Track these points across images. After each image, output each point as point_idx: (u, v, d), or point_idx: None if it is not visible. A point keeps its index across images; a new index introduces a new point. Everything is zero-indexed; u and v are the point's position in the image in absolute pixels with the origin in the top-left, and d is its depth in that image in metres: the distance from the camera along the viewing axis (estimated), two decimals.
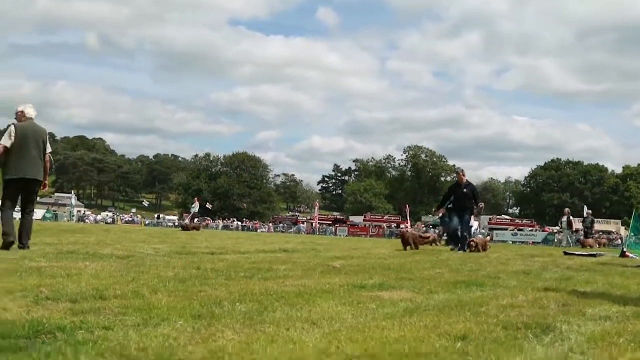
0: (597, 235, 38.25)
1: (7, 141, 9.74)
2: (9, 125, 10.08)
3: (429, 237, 19.43)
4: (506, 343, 3.60)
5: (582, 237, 32.64)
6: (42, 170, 10.18)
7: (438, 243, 21.14)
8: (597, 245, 32.17)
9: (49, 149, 10.30)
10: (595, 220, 55.72)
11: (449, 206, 18.81)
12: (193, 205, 42.31)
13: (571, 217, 33.97)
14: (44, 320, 3.63)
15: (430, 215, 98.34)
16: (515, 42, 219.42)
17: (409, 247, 15.88)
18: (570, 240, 33.26)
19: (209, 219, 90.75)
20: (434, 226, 42.44)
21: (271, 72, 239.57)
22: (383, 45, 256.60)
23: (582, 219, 35.16)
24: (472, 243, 16.03)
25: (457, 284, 6.93)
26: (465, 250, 16.02)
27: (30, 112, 10.28)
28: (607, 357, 3.41)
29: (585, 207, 36.92)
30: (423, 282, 7.07)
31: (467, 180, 18.14)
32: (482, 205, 18.13)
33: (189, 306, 4.40)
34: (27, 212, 10.38)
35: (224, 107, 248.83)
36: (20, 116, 10.18)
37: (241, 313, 4.21)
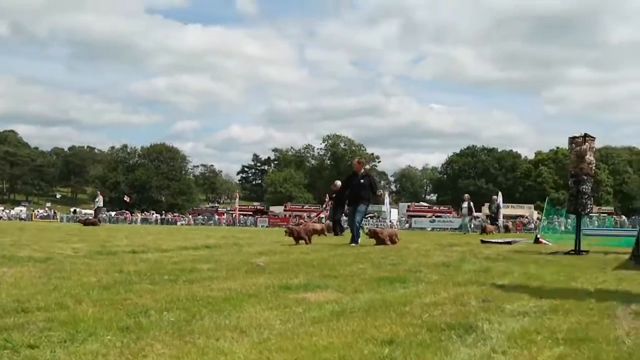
0: (502, 220, 38.71)
1: None
2: None
3: (319, 228, 18.10)
4: (432, 345, 3.69)
5: (485, 223, 33.41)
6: None
7: (326, 233, 21.12)
8: (500, 231, 32.88)
9: None
10: (503, 205, 57.37)
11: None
12: (97, 200, 41.58)
13: (471, 203, 34.16)
14: None
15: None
16: (431, 30, 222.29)
17: (302, 241, 15.20)
18: (469, 227, 33.61)
19: (127, 212, 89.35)
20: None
21: (190, 62, 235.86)
22: (302, 33, 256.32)
23: (489, 204, 35.47)
24: (368, 232, 15.64)
25: (380, 281, 7.04)
26: (358, 243, 15.57)
27: None
28: (527, 356, 3.54)
29: (500, 194, 37.01)
30: (347, 279, 7.15)
31: (364, 170, 17.50)
32: (380, 192, 17.63)
33: (115, 317, 4.35)
34: None
35: (142, 97, 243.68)
36: None
37: (169, 323, 4.19)
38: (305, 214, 62.16)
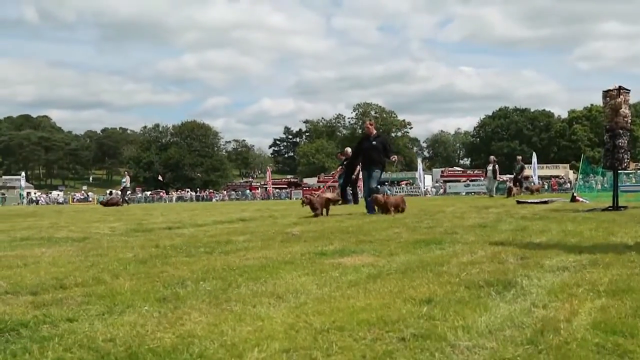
0: (528, 181, 37.57)
1: None
2: None
3: (331, 197, 15.69)
4: (470, 303, 3.65)
5: (510, 185, 32.26)
6: None
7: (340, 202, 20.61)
8: (526, 192, 31.92)
9: None
10: (538, 165, 56.64)
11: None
12: (124, 180, 40.84)
13: (496, 166, 32.21)
14: (5, 317, 3.56)
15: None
16: None
17: (321, 212, 14.22)
18: (494, 190, 32.17)
19: (162, 191, 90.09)
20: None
21: (216, 37, 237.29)
22: (327, 2, 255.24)
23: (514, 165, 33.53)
24: (375, 200, 13.97)
25: (416, 243, 7.01)
26: (375, 211, 14.16)
27: None
28: (568, 309, 3.48)
29: (533, 154, 35.49)
30: (382, 243, 7.13)
31: (377, 132, 16.10)
32: (394, 158, 15.56)
33: (152, 289, 4.37)
34: None
35: (171, 75, 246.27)
36: None
37: (205, 292, 4.20)
38: (320, 185, 61.82)
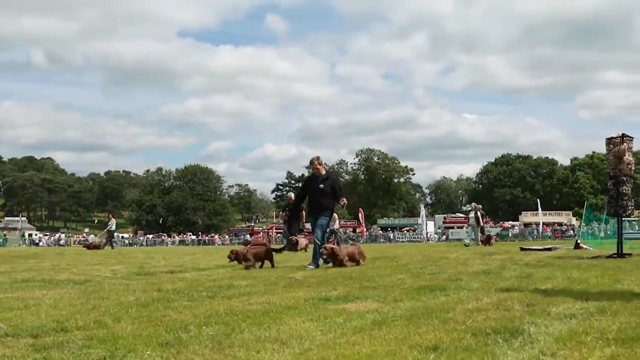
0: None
1: None
2: None
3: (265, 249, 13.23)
4: (477, 350, 3.60)
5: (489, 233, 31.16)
6: None
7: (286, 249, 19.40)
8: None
9: None
10: (542, 212, 56.31)
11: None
12: (109, 223, 40.27)
13: (479, 213, 29.86)
14: None
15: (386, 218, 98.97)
16: (461, 40, 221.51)
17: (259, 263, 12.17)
18: (478, 238, 29.00)
19: (164, 235, 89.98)
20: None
21: (222, 83, 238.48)
22: (332, 49, 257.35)
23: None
24: (323, 251, 11.81)
25: (421, 290, 6.95)
26: (318, 265, 12.11)
27: None
28: (577, 357, 3.43)
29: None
30: (387, 289, 7.07)
31: (326, 172, 13.68)
32: (344, 202, 13.03)
33: (155, 333, 4.31)
34: None
35: (176, 119, 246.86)
36: None
37: (208, 337, 4.14)
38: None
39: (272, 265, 12.21)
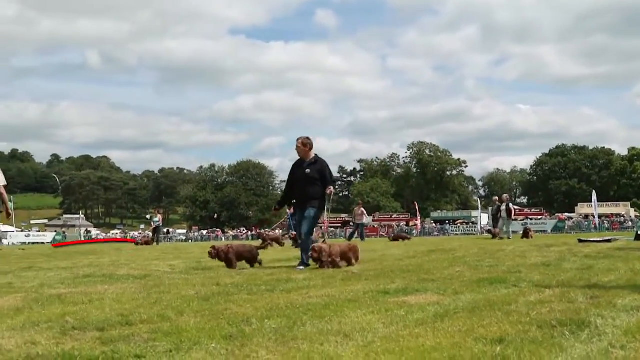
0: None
1: None
2: None
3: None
4: (544, 343, 3.54)
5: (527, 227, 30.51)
6: None
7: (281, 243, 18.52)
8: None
9: (2, 182, 11.29)
10: (597, 203, 55.20)
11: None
12: (155, 219, 39.93)
13: (510, 205, 28.52)
14: (75, 352, 3.57)
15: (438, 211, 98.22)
16: (512, 31, 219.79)
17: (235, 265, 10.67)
18: (510, 231, 28.31)
19: (218, 230, 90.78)
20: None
21: (273, 79, 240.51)
22: (383, 43, 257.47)
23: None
24: (312, 254, 10.09)
25: (480, 282, 6.88)
26: (308, 264, 10.62)
27: None
28: None
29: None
30: (446, 282, 7.02)
31: (315, 155, 11.38)
32: (330, 190, 11.07)
33: (218, 326, 4.34)
34: None
35: (228, 116, 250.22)
36: None
37: (271, 330, 4.16)
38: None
39: (251, 266, 10.81)
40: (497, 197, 31.74)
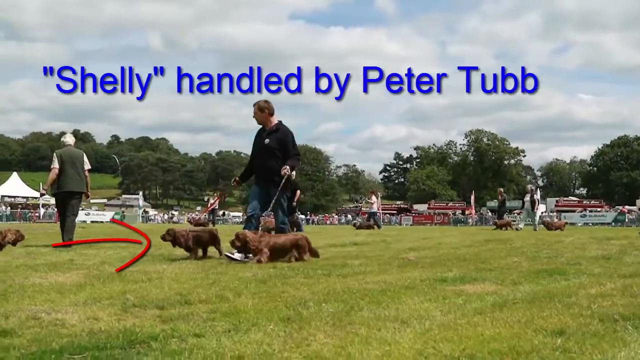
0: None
1: (55, 165, 12.18)
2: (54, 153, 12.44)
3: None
4: (606, 336, 3.48)
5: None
6: (81, 184, 12.44)
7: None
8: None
9: (87, 166, 12.58)
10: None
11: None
12: (213, 201, 39.75)
13: (536, 195, 28.25)
14: (136, 329, 3.63)
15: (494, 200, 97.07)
16: (575, 19, 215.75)
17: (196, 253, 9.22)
18: (536, 222, 27.96)
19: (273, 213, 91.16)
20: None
21: (332, 64, 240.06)
22: (442, 30, 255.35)
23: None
24: (234, 241, 8.28)
25: (539, 273, 6.79)
26: (244, 258, 8.57)
27: (67, 140, 12.79)
28: None
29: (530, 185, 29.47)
30: (503, 272, 6.95)
31: (278, 121, 9.63)
32: (286, 170, 9.13)
33: (275, 308, 4.37)
34: (67, 215, 12.35)
35: (286, 100, 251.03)
36: (61, 145, 12.79)
37: (329, 314, 4.17)
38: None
39: (220, 254, 9.37)
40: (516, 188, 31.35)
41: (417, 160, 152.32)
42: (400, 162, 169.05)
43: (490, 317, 4.06)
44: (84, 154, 12.75)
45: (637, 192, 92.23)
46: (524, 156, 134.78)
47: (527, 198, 27.65)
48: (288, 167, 9.17)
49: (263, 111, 9.56)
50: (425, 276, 6.43)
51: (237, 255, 8.59)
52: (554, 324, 3.82)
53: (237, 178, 10.44)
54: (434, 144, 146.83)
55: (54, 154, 12.47)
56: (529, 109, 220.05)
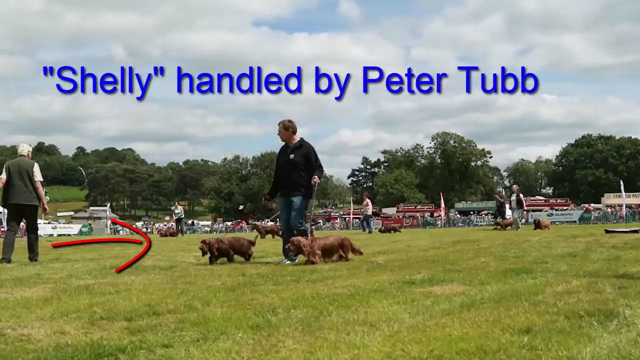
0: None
1: (2, 176, 11.80)
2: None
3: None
4: (572, 332, 3.52)
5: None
6: (30, 196, 11.88)
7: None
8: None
9: (37, 178, 11.95)
10: (625, 194, 54.66)
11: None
12: (177, 211, 40.10)
13: (520, 195, 28.68)
14: (104, 342, 3.60)
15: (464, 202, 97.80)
16: (537, 20, 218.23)
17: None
18: (519, 221, 28.28)
19: (242, 222, 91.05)
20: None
21: (297, 70, 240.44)
22: (406, 33, 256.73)
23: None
24: (290, 246, 9.30)
25: (506, 273, 6.85)
26: (292, 259, 9.82)
27: (20, 150, 12.41)
28: None
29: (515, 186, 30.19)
30: (471, 273, 7.00)
31: (300, 138, 10.60)
32: (315, 180, 10.17)
33: (244, 316, 4.37)
34: (29, 234, 12.13)
35: (252, 108, 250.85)
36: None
37: (297, 319, 4.17)
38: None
39: (247, 259, 10.37)
40: (500, 190, 32.12)
41: (385, 164, 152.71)
42: (368, 167, 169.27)
43: (458, 317, 4.09)
44: (36, 165, 12.17)
45: (602, 190, 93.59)
46: (491, 157, 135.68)
47: (514, 197, 28.03)
48: (317, 177, 10.23)
49: (287, 130, 10.50)
50: (393, 279, 6.46)
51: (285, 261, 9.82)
52: (521, 322, 3.86)
53: (266, 195, 11.42)
54: (401, 148, 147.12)
55: (5, 165, 12.05)
56: (494, 110, 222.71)
